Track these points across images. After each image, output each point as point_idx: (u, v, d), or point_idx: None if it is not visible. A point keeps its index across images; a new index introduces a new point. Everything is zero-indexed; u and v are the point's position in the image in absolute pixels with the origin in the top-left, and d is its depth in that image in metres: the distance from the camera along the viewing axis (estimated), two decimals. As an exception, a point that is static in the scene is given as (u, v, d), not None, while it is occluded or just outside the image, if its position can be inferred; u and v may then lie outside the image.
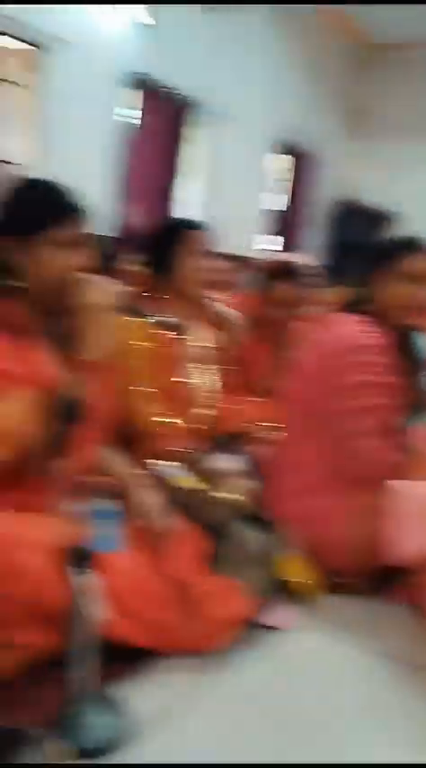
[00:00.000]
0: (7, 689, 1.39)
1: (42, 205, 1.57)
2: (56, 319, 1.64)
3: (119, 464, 1.79)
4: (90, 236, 1.60)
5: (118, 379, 1.96)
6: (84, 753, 1.25)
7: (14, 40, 5.85)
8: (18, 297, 1.57)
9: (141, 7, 6.28)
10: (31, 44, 5.91)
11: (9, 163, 6.09)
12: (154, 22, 6.44)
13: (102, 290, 1.58)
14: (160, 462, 1.95)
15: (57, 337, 1.63)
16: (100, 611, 1.26)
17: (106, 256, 2.75)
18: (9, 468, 1.49)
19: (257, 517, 1.97)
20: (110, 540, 1.46)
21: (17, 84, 6.08)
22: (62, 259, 1.55)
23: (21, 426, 1.46)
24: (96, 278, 1.59)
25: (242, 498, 2.02)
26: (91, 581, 1.26)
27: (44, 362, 1.59)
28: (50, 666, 1.40)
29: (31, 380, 1.51)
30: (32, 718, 1.32)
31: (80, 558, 1.25)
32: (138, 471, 1.82)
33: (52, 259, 1.55)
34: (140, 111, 6.81)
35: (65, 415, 1.25)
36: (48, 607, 1.40)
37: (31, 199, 1.59)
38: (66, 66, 5.95)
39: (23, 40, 5.86)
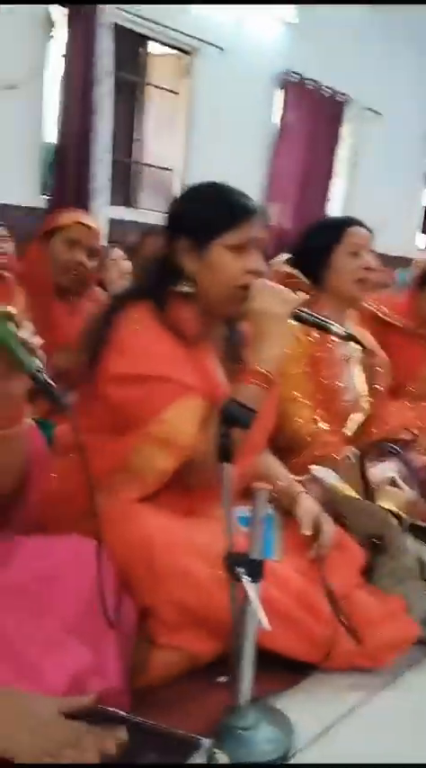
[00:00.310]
0: (170, 693, 1.40)
1: (217, 207, 1.52)
2: (227, 326, 1.61)
3: (277, 470, 1.76)
4: (264, 240, 1.55)
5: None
6: (245, 764, 1.23)
7: (165, 47, 5.99)
8: (189, 302, 1.54)
9: (288, 7, 6.23)
10: (180, 50, 6.03)
11: (160, 168, 6.25)
12: (298, 21, 6.39)
13: (278, 298, 1.49)
14: (317, 469, 1.90)
15: (227, 345, 1.61)
16: (261, 621, 1.24)
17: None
18: (176, 475, 1.49)
19: (417, 527, 1.88)
20: (269, 547, 1.43)
21: (168, 90, 6.21)
22: (236, 263, 1.51)
23: (188, 436, 1.44)
24: (272, 284, 1.51)
25: (401, 507, 1.93)
26: (254, 589, 1.24)
27: (214, 371, 1.56)
28: (214, 674, 1.39)
29: (200, 389, 1.48)
30: (193, 725, 1.31)
31: (243, 565, 1.23)
32: (297, 478, 1.78)
33: (226, 263, 1.50)
34: (288, 111, 6.76)
35: (233, 422, 1.23)
36: (213, 614, 1.40)
37: (205, 201, 1.55)
38: (214, 71, 6.03)
39: (173, 47, 5.99)
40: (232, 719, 1.28)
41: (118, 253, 3.88)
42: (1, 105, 4.66)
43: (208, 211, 1.52)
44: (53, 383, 1.11)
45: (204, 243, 1.51)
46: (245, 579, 1.21)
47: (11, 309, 1.13)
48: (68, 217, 2.39)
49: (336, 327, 1.57)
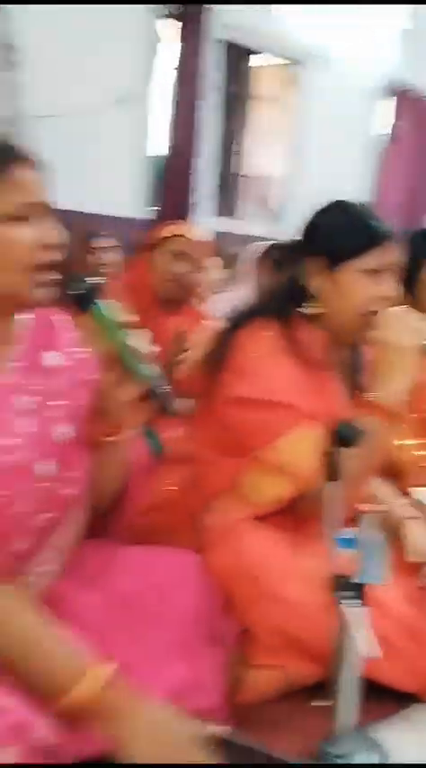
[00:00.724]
0: (268, 713, 1.38)
1: (356, 228, 1.47)
2: (352, 352, 1.55)
3: (386, 494, 1.71)
4: (398, 265, 1.48)
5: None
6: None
7: (273, 57, 5.99)
8: (316, 325, 1.49)
9: (401, 12, 6.10)
10: (289, 60, 6.02)
11: (262, 179, 6.26)
12: (411, 27, 6.25)
13: (408, 329, 1.41)
14: (419, 491, 1.84)
15: (350, 372, 1.55)
16: (366, 647, 1.20)
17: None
18: (291, 503, 1.46)
19: None
20: (376, 572, 1.39)
21: (274, 100, 6.22)
22: (369, 288, 1.45)
23: (305, 466, 1.36)
24: (402, 313, 1.44)
25: None
26: (359, 614, 1.21)
27: (337, 397, 1.50)
28: (313, 697, 1.37)
29: (322, 415, 1.41)
30: (290, 747, 1.29)
31: (348, 589, 1.20)
32: (406, 502, 1.72)
33: (359, 288, 1.45)
34: (398, 121, 6.63)
35: (341, 441, 1.20)
36: (315, 640, 1.37)
37: (343, 221, 1.50)
38: (323, 81, 5.98)
39: (282, 57, 5.99)
40: (329, 746, 1.26)
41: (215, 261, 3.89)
42: (110, 119, 4.78)
43: (347, 231, 1.47)
44: (166, 391, 1.12)
45: (338, 264, 1.45)
46: (351, 604, 1.18)
47: (127, 317, 1.14)
48: (172, 229, 2.43)
49: None
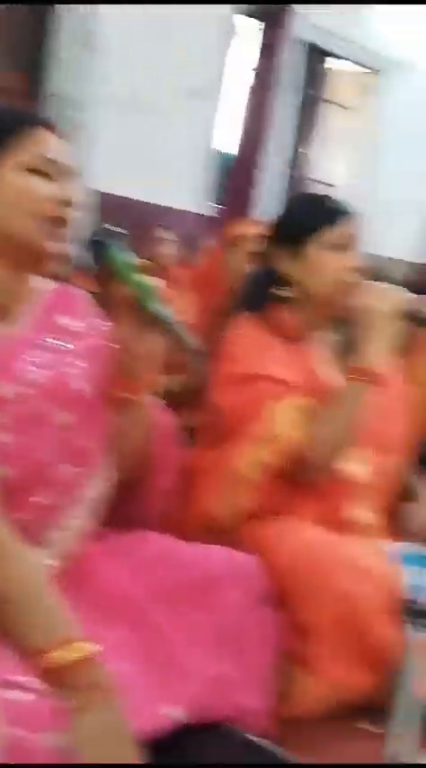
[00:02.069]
0: (315, 729, 1.31)
1: (312, 209, 1.59)
2: (332, 325, 1.62)
3: None
4: (359, 237, 1.56)
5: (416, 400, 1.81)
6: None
7: (352, 64, 5.92)
8: (290, 305, 1.56)
9: None
10: (368, 68, 5.94)
11: (326, 184, 6.18)
12: None
13: (384, 296, 1.50)
14: None
15: (333, 344, 1.61)
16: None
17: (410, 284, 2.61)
18: (288, 477, 1.47)
19: None
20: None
21: (348, 107, 6.14)
22: (336, 261, 1.53)
23: (291, 434, 1.44)
24: (378, 283, 1.54)
25: None
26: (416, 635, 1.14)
27: (319, 369, 1.56)
28: (364, 718, 1.29)
29: (304, 388, 1.49)
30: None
31: (416, 611, 1.13)
32: None
33: (326, 262, 1.53)
34: None
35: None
36: (371, 644, 1.31)
37: (300, 205, 1.67)
38: (402, 91, 5.88)
39: (362, 65, 5.91)
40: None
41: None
42: (180, 110, 4.76)
43: (304, 213, 1.60)
44: (182, 327, 1.12)
45: (302, 244, 1.53)
46: (418, 625, 1.12)
47: (144, 262, 1.13)
48: (253, 228, 2.35)
49: None
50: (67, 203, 1.12)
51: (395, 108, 5.90)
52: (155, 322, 1.12)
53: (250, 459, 1.47)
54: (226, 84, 5.16)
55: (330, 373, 1.57)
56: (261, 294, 1.59)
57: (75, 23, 4.23)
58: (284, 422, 1.46)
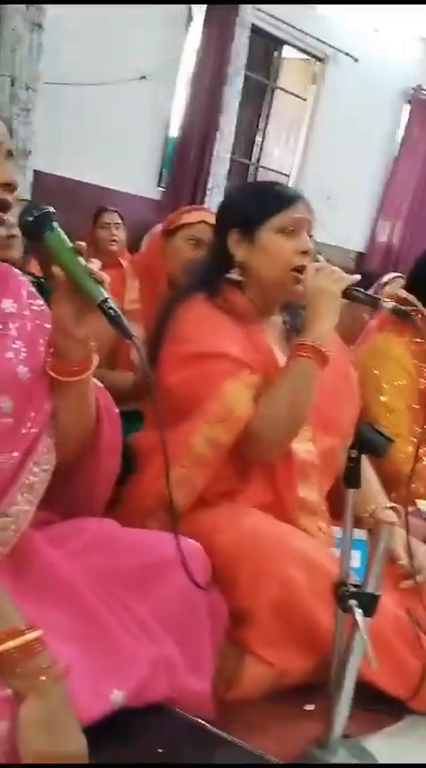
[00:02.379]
0: (254, 711, 1.33)
1: (262, 195, 1.60)
2: (289, 312, 1.66)
3: (376, 495, 1.66)
4: (309, 221, 1.59)
5: (365, 394, 1.85)
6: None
7: (296, 52, 5.94)
8: (242, 289, 1.59)
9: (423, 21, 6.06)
10: (313, 56, 5.97)
11: (277, 172, 6.21)
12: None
13: (332, 277, 1.53)
14: (420, 503, 1.80)
15: (288, 330, 1.64)
16: (364, 652, 1.16)
17: (365, 275, 2.63)
18: (240, 455, 1.48)
19: None
20: (377, 582, 1.35)
21: (296, 95, 6.17)
22: (287, 245, 1.54)
23: (244, 411, 1.46)
24: (326, 264, 1.56)
25: None
26: (364, 624, 1.16)
27: (270, 349, 1.58)
28: (300, 699, 1.32)
29: (257, 367, 1.50)
30: (274, 750, 1.24)
31: (356, 598, 1.16)
32: (397, 508, 1.67)
33: (277, 246, 1.55)
34: (412, 127, 6.62)
35: (367, 447, 1.18)
36: (310, 630, 1.33)
37: (249, 192, 1.67)
38: (345, 80, 5.94)
39: (307, 52, 5.94)
40: (320, 753, 1.20)
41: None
42: (133, 95, 4.70)
43: (254, 199, 1.60)
44: (121, 314, 1.08)
45: (253, 229, 1.56)
46: (358, 613, 1.14)
47: (81, 244, 1.10)
48: (194, 215, 2.33)
49: (387, 303, 1.55)
50: (5, 186, 1.08)
51: (337, 97, 5.97)
52: (90, 304, 1.08)
53: (204, 436, 1.47)
54: (182, 69, 5.12)
55: (280, 355, 1.59)
56: (214, 277, 1.60)
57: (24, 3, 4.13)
58: (238, 399, 1.47)
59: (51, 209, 1.10)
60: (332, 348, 1.53)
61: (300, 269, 1.54)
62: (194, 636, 1.19)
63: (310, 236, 1.58)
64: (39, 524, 1.23)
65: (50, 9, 4.18)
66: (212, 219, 2.33)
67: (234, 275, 1.59)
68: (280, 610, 1.35)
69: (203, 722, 1.09)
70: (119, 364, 2.13)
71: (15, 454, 1.13)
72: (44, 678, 0.91)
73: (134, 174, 5.04)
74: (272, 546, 1.37)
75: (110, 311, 1.06)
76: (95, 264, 1.09)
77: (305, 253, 1.55)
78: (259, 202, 1.58)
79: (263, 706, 1.36)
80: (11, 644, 0.91)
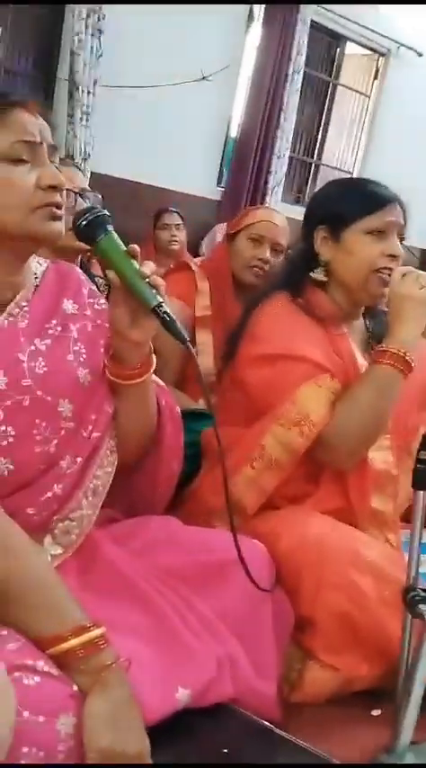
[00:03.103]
0: (321, 716, 1.32)
1: (353, 195, 1.55)
2: (371, 316, 1.62)
3: None
4: (402, 225, 1.53)
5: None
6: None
7: (360, 47, 5.87)
8: (325, 289, 1.55)
9: None
10: (375, 52, 5.88)
11: (338, 169, 6.14)
12: None
13: (418, 282, 1.46)
14: None
15: (367, 328, 1.60)
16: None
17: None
18: (314, 461, 1.44)
19: None
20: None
21: (356, 91, 6.09)
22: (374, 248, 1.50)
23: (319, 415, 1.42)
24: (411, 269, 1.50)
25: None
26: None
27: (351, 353, 1.54)
28: (366, 704, 1.30)
29: (334, 369, 1.47)
30: (341, 751, 1.22)
31: (417, 596, 1.13)
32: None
33: (363, 248, 1.50)
34: None
35: None
36: (377, 639, 1.31)
37: (341, 190, 1.60)
38: (407, 75, 5.84)
39: (369, 48, 5.86)
40: (386, 759, 1.18)
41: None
42: (192, 96, 4.72)
43: (345, 198, 1.55)
44: (175, 318, 1.07)
45: (340, 229, 1.51)
46: (419, 613, 1.11)
47: (134, 247, 1.09)
48: (255, 214, 2.32)
49: None
50: (54, 187, 1.06)
51: (401, 92, 5.86)
52: (144, 308, 1.07)
53: (277, 439, 1.44)
54: (242, 68, 5.12)
55: (362, 360, 1.55)
56: (298, 276, 1.57)
57: (86, 8, 4.19)
58: (314, 404, 1.43)
59: (106, 212, 1.10)
60: (418, 355, 1.46)
61: (386, 272, 1.49)
62: (258, 637, 1.18)
63: (401, 240, 1.53)
64: (103, 522, 1.24)
65: (111, 13, 4.23)
66: (275, 218, 2.32)
67: (318, 275, 1.54)
68: (346, 619, 1.32)
69: (268, 724, 1.08)
70: (188, 381, 2.11)
71: (79, 459, 1.13)
72: (107, 674, 0.92)
73: (194, 174, 5.06)
74: (338, 553, 1.34)
75: (165, 316, 1.06)
76: (149, 267, 1.08)
77: (393, 257, 1.50)
78: (350, 201, 1.53)
79: (329, 709, 1.34)
80: (75, 641, 0.92)
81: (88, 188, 1.84)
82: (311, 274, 1.55)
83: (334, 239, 1.52)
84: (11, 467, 1.05)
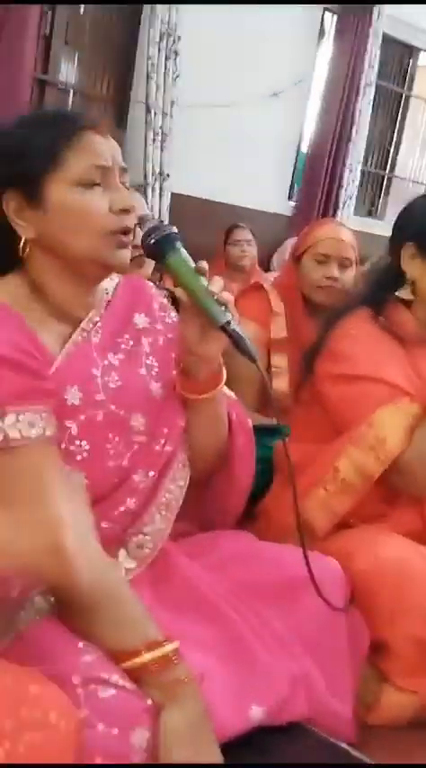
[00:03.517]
0: (401, 737, 1.28)
1: None
2: None
3: None
4: None
5: None
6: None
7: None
8: (409, 308, 1.50)
9: None
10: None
11: (414, 182, 6.05)
12: None
13: None
14: None
15: None
16: None
17: None
18: (388, 486, 1.40)
19: None
20: None
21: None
22: None
23: (396, 441, 1.36)
24: None
25: None
26: None
27: None
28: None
29: (419, 394, 1.41)
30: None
31: None
32: None
33: None
34: None
35: None
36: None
37: None
38: None
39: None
40: None
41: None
42: (266, 112, 4.75)
43: None
44: (244, 336, 1.06)
45: None
46: None
47: (202, 264, 1.08)
48: (319, 232, 2.27)
49: None
50: (126, 210, 1.07)
51: None
52: (213, 325, 1.07)
53: (352, 462, 1.40)
54: (313, 83, 5.12)
55: None
56: (381, 293, 1.53)
57: (159, 28, 4.27)
58: (391, 429, 1.37)
59: (174, 229, 1.10)
60: None
61: None
62: (333, 657, 1.16)
63: None
64: (176, 536, 1.25)
65: (185, 35, 4.30)
66: (340, 233, 2.27)
67: (403, 293, 1.50)
68: (419, 641, 1.27)
69: (345, 745, 1.06)
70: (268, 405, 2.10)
71: (151, 473, 1.14)
72: (181, 689, 0.92)
73: (265, 189, 5.07)
74: (417, 576, 1.29)
75: (233, 333, 1.06)
76: (218, 284, 1.08)
77: None
78: None
79: (409, 732, 1.30)
80: (148, 656, 0.93)
81: (148, 212, 1.85)
82: (396, 293, 1.50)
83: (423, 257, 1.46)
84: (85, 481, 1.06)
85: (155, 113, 4.35)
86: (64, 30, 4.34)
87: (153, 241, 1.09)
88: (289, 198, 5.32)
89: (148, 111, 4.35)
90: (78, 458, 1.07)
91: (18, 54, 3.81)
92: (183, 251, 1.10)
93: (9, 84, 3.82)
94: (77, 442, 1.07)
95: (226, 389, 1.22)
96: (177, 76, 4.36)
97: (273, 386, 2.06)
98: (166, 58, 4.34)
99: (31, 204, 1.06)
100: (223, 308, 1.07)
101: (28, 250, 1.08)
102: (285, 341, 2.13)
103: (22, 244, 1.07)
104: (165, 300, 1.30)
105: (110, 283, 1.21)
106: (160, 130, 4.37)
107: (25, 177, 1.05)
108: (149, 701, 0.91)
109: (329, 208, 5.14)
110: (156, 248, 1.09)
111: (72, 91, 4.50)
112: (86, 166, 1.05)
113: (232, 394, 1.28)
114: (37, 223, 1.06)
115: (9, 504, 0.95)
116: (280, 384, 2.03)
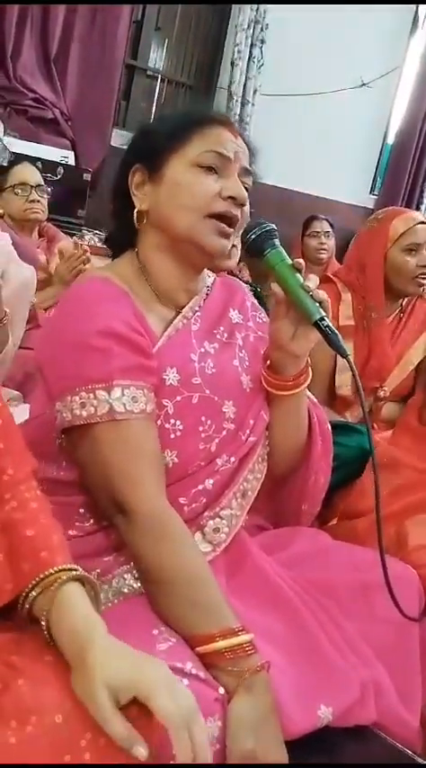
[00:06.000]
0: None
1: None
2: None
3: None
4: None
5: None
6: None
7: None
8: None
9: None
10: None
11: None
12: None
13: None
14: None
15: None
16: None
17: None
18: None
19: None
20: None
21: None
22: None
23: None
24: None
25: None
26: None
27: None
28: None
29: None
30: None
31: None
32: None
33: None
34: None
35: None
36: None
37: None
38: None
39: None
40: None
41: None
42: (352, 103, 4.67)
43: None
44: (337, 333, 1.07)
45: None
46: None
47: (300, 261, 1.11)
48: (397, 225, 2.20)
49: None
50: (235, 201, 1.10)
51: None
52: (306, 322, 1.09)
53: None
54: (403, 75, 5.00)
55: None
56: None
57: (248, 15, 4.25)
58: None
59: (273, 226, 1.12)
60: None
61: None
62: (405, 665, 1.15)
63: None
64: (251, 530, 1.25)
65: (273, 22, 4.27)
66: (419, 217, 2.22)
67: None
68: None
69: (411, 752, 1.05)
70: (334, 397, 2.10)
71: (233, 459, 1.16)
72: (253, 679, 0.93)
73: (347, 181, 5.00)
74: None
75: (327, 329, 1.07)
76: (313, 281, 1.10)
77: None
78: None
79: None
80: (223, 643, 0.94)
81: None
82: None
83: None
84: (175, 459, 1.10)
85: (236, 100, 4.34)
86: (155, 16, 4.36)
87: (253, 237, 1.12)
88: (371, 191, 5.22)
89: (231, 97, 4.34)
90: (172, 436, 1.10)
91: (110, 39, 3.85)
92: (281, 248, 1.12)
93: (99, 69, 3.87)
94: (172, 421, 1.10)
95: (307, 392, 1.23)
96: (262, 65, 4.33)
97: (337, 377, 2.07)
98: (252, 46, 4.32)
99: (151, 178, 1.12)
100: (317, 304, 1.08)
101: (144, 222, 1.13)
102: (351, 329, 2.12)
103: (135, 215, 1.12)
104: (256, 301, 1.33)
105: (208, 280, 1.25)
106: (241, 117, 4.36)
107: (151, 152, 1.12)
108: (221, 690, 0.92)
109: (412, 202, 5.03)
110: (256, 244, 1.12)
111: (159, 77, 4.53)
112: (207, 150, 1.10)
113: (312, 396, 1.28)
114: (151, 196, 1.12)
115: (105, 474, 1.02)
116: (344, 378, 2.03)
